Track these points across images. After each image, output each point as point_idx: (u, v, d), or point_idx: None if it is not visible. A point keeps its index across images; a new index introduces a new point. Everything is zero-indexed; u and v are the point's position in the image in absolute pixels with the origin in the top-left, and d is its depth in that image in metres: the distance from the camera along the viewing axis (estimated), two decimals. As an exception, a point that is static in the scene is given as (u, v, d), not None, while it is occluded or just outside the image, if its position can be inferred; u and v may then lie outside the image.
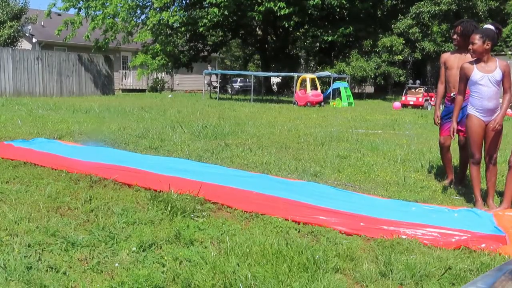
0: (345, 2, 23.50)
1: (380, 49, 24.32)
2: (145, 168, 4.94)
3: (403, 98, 19.28)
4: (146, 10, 25.82)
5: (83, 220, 3.48)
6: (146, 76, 27.28)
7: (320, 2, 23.07)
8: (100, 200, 3.98)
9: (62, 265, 2.69)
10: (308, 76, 19.94)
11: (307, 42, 26.33)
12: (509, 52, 24.52)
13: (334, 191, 4.37)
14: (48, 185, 4.40)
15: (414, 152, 6.94)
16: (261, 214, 3.69)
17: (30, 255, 2.80)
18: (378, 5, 26.06)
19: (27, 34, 26.80)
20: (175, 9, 25.67)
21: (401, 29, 23.94)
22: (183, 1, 27.58)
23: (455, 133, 4.24)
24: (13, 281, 2.48)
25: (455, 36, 4.77)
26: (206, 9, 24.63)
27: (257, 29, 30.32)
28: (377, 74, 24.92)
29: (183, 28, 25.11)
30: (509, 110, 5.59)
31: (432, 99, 18.78)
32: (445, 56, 4.90)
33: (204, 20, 23.68)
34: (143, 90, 30.30)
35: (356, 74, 23.98)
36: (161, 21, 23.61)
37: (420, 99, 18.58)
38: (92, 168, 4.94)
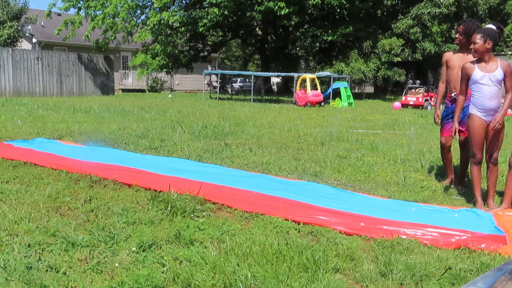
0: (345, 2, 23.49)
1: (379, 50, 24.33)
2: (145, 168, 4.94)
3: (403, 98, 19.28)
4: (146, 10, 25.85)
5: (83, 220, 3.48)
6: (146, 76, 27.28)
7: (320, 2, 23.06)
8: (100, 200, 3.98)
9: (62, 265, 2.69)
10: (308, 76, 19.94)
11: (307, 42, 26.33)
12: (509, 52, 24.52)
13: (334, 191, 4.36)
14: (48, 185, 4.40)
15: (414, 152, 6.94)
16: (261, 214, 3.69)
17: (30, 255, 2.79)
18: (378, 5, 26.04)
19: (27, 34, 26.80)
20: (175, 9, 25.69)
21: (401, 29, 23.94)
22: (183, 1, 27.63)
23: (456, 133, 4.23)
24: (13, 281, 2.48)
25: (457, 35, 4.76)
26: (206, 9, 24.63)
27: (257, 29, 30.33)
28: (376, 76, 24.94)
29: (183, 28, 25.11)
30: (509, 110, 5.56)
31: (432, 99, 18.77)
32: (447, 55, 4.89)
33: (204, 20, 23.68)
34: (142, 90, 30.30)
35: (354, 76, 24.01)
36: (161, 21, 23.61)
37: (420, 99, 18.58)
38: (92, 168, 4.94)
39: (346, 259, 2.86)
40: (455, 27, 4.96)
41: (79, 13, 24.39)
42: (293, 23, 24.17)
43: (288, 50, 29.79)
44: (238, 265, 2.68)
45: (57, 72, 21.84)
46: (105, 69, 24.05)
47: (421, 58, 24.68)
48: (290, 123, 11.14)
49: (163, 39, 25.18)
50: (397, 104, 18.67)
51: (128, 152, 6.26)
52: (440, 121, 5.01)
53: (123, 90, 29.48)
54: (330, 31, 24.91)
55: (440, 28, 23.38)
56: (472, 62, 4.09)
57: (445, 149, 5.01)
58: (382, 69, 24.46)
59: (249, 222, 3.60)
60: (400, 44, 23.84)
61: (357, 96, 24.27)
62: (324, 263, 2.73)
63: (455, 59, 4.78)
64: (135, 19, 25.18)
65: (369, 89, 33.17)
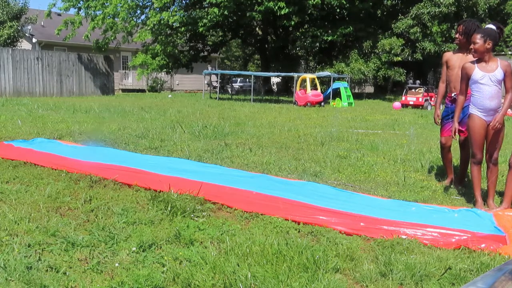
0: (345, 2, 23.49)
1: (379, 50, 24.34)
2: (145, 168, 4.94)
3: (403, 98, 19.28)
4: (146, 10, 25.85)
5: (83, 220, 3.48)
6: (146, 76, 27.29)
7: (320, 1, 23.06)
8: (100, 200, 3.98)
9: (62, 265, 2.69)
10: (308, 76, 19.94)
11: (307, 42, 26.35)
12: (509, 52, 24.52)
13: (334, 191, 4.36)
14: (48, 185, 4.40)
15: (414, 152, 6.94)
16: (261, 214, 3.69)
17: (30, 255, 2.79)
18: (378, 5, 26.05)
19: (27, 34, 26.80)
20: (175, 9, 25.68)
21: (401, 29, 23.95)
22: (183, 1, 27.61)
23: (456, 133, 4.24)
24: (13, 281, 2.48)
25: (457, 35, 4.77)
26: (206, 9, 24.63)
27: (257, 29, 30.33)
28: (376, 76, 24.96)
29: (183, 28, 25.11)
30: (509, 110, 5.57)
31: (432, 99, 18.77)
32: (448, 55, 4.89)
33: (204, 20, 23.67)
34: (142, 90, 30.31)
35: (354, 77, 24.03)
36: (161, 21, 23.61)
37: (420, 99, 18.58)
38: (92, 168, 4.94)
39: (346, 259, 2.86)
40: (455, 27, 4.96)
41: (79, 13, 24.38)
42: (293, 23, 24.16)
43: (288, 50, 29.79)
44: (238, 265, 2.68)
45: (57, 72, 21.84)
46: (105, 69, 24.05)
47: (421, 58, 24.69)
48: (290, 123, 11.14)
49: (163, 39, 25.17)
50: (397, 104, 18.67)
51: (128, 152, 6.26)
52: (440, 121, 5.02)
53: (123, 90, 29.49)
54: (330, 31, 24.91)
55: (440, 28, 23.39)
56: (472, 62, 4.09)
57: (445, 149, 5.01)
58: (383, 69, 24.49)
59: (249, 222, 3.60)
60: (400, 44, 23.85)
61: (357, 96, 24.28)
62: (324, 263, 2.73)
63: (455, 59, 4.78)
64: (135, 19, 25.17)
65: (369, 89, 33.19)
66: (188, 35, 27.24)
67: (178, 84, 33.89)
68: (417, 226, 3.37)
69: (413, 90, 19.46)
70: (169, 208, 3.68)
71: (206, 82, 29.06)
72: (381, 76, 24.89)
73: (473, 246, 3.08)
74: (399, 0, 27.04)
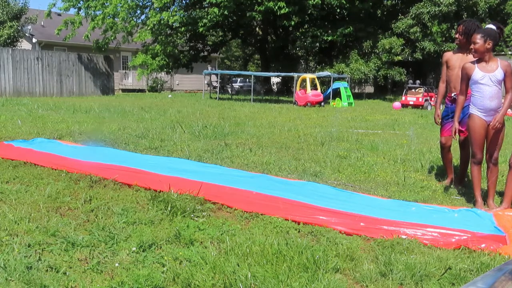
0: (345, 2, 23.50)
1: (379, 50, 24.35)
2: (145, 168, 4.94)
3: (403, 98, 19.28)
4: (146, 10, 25.85)
5: (83, 220, 3.48)
6: (146, 76, 27.29)
7: (320, 1, 23.07)
8: (100, 200, 3.98)
9: (62, 265, 2.69)
10: (308, 76, 19.94)
11: (307, 42, 26.36)
12: (509, 52, 24.51)
13: (334, 191, 4.36)
14: (48, 185, 4.40)
15: (414, 152, 6.94)
16: (261, 214, 3.69)
17: (30, 255, 2.79)
18: (378, 5, 26.06)
19: (27, 34, 26.80)
20: (175, 9, 25.68)
21: (401, 29, 23.95)
22: (183, 1, 27.62)
23: (456, 133, 4.24)
24: (13, 281, 2.48)
25: (457, 35, 4.77)
26: (206, 9, 24.63)
27: (257, 29, 30.33)
28: (377, 76, 24.97)
29: (183, 28, 25.11)
30: (509, 110, 5.57)
31: (432, 99, 18.78)
32: (448, 55, 4.89)
33: (204, 20, 23.68)
34: (142, 90, 30.31)
35: (354, 76, 24.05)
36: (161, 21, 23.61)
37: (420, 99, 18.58)
38: (92, 168, 4.94)
39: (346, 259, 2.86)
40: (455, 27, 4.96)
41: (79, 13, 24.37)
42: (293, 23, 24.17)
43: (288, 50, 29.79)
44: (238, 265, 2.68)
45: (57, 72, 21.84)
46: (105, 69, 24.05)
47: (421, 58, 24.69)
48: (290, 123, 11.14)
49: (163, 39, 25.17)
50: (397, 104, 18.67)
51: (128, 152, 6.26)
52: (440, 121, 5.02)
53: (123, 90, 29.48)
54: (330, 31, 24.92)
55: (440, 28, 23.39)
56: (472, 62, 4.09)
57: (445, 149, 5.01)
58: (383, 69, 24.50)
59: (249, 222, 3.60)
60: (400, 44, 23.86)
61: (357, 96, 24.28)
62: (324, 263, 2.73)
63: (455, 59, 4.78)
64: (135, 19, 25.16)
65: (369, 89, 33.18)
66: (188, 35, 27.24)
67: (178, 84, 33.88)
68: (417, 226, 3.37)
69: (413, 90, 19.46)
70: (169, 208, 3.68)
71: (206, 82, 29.06)
72: (381, 76, 24.91)
73: (473, 246, 3.08)
74: (399, 0, 27.04)
